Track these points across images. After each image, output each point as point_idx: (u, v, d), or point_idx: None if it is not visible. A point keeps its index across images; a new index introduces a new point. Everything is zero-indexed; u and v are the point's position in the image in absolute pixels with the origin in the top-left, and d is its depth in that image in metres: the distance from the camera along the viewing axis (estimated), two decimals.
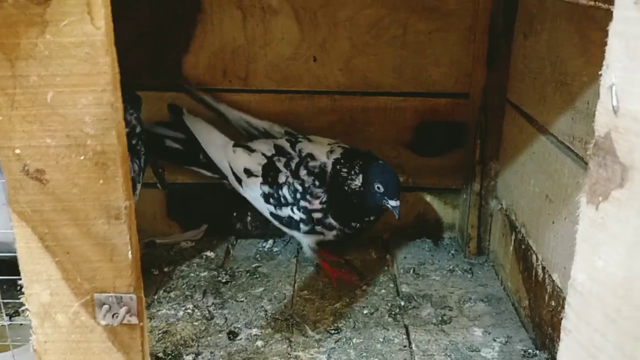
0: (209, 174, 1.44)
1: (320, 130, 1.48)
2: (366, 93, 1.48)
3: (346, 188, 1.28)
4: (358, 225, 1.32)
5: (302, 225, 1.32)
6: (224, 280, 1.39)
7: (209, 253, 1.51)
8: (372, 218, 1.33)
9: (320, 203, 1.29)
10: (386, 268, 1.46)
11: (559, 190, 1.04)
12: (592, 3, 0.94)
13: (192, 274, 1.41)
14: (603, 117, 0.52)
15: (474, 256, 1.49)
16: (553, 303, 1.07)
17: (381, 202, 1.26)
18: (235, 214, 1.59)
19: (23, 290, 0.63)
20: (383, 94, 1.48)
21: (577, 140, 0.98)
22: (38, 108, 0.56)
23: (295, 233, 1.38)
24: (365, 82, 1.47)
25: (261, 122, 1.44)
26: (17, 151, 0.57)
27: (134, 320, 0.64)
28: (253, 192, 1.36)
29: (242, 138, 1.44)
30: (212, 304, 1.29)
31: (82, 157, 0.57)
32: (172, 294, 1.32)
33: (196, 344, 1.16)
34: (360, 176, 1.27)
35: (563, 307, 1.02)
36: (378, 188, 1.25)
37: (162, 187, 1.55)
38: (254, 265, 1.46)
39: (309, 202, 1.29)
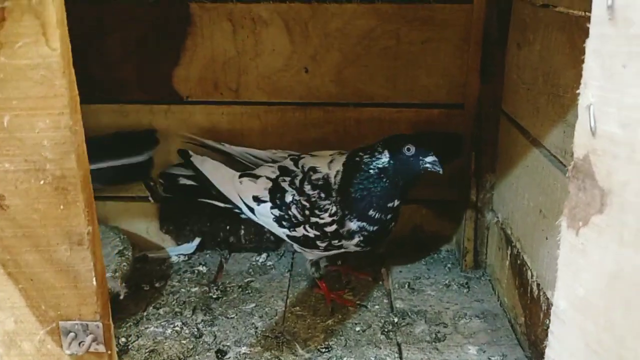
0: (222, 205, 1.39)
1: (314, 142, 1.46)
2: (359, 104, 1.46)
3: (371, 171, 1.22)
4: (378, 215, 1.23)
5: (318, 243, 1.27)
6: (215, 296, 1.36)
7: (201, 267, 1.49)
8: (396, 204, 1.24)
9: (330, 215, 1.24)
10: (380, 283, 1.43)
11: (552, 206, 1.01)
12: (582, 13, 0.92)
13: (183, 290, 1.39)
14: (581, 138, 0.50)
15: (471, 270, 1.46)
16: (548, 321, 1.04)
17: (418, 165, 1.20)
18: (228, 227, 1.57)
19: None
20: (376, 105, 1.46)
21: (569, 155, 0.94)
22: None
23: (315, 252, 1.32)
24: (358, 93, 1.45)
25: (264, 152, 1.41)
26: None
27: (100, 348, 0.62)
28: (266, 218, 1.32)
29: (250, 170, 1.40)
30: (202, 320, 1.27)
31: (41, 182, 0.55)
32: (161, 311, 1.30)
33: None
34: (386, 151, 1.22)
35: None
36: (409, 150, 1.19)
37: (154, 199, 1.53)
38: (246, 280, 1.44)
39: (319, 216, 1.25)
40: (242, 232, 1.57)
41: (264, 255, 1.55)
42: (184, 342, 1.19)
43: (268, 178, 1.31)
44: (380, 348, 1.18)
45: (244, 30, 1.41)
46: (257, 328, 1.25)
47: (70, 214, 0.57)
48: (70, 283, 0.59)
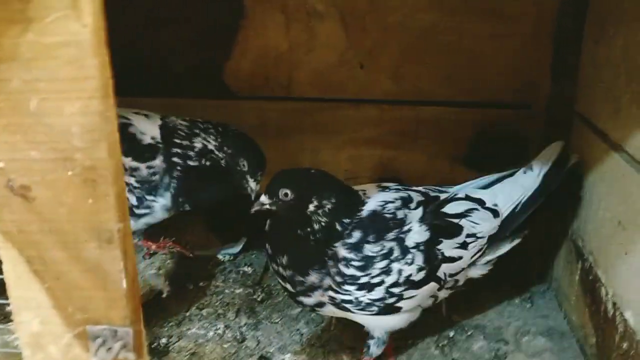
0: None
1: (368, 141, 1.40)
2: (418, 102, 1.38)
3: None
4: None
5: None
6: (259, 299, 1.31)
7: (246, 268, 1.44)
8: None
9: None
10: None
11: (635, 217, 0.90)
12: None
13: (227, 290, 1.35)
14: None
15: (534, 284, 1.35)
16: (625, 345, 0.93)
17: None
18: None
19: (12, 317, 0.57)
20: (436, 103, 1.37)
21: None
22: (21, 117, 0.49)
23: None
24: (416, 91, 1.37)
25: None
26: (1, 164, 0.51)
27: (130, 356, 0.57)
28: None
29: None
30: (245, 324, 1.22)
31: (69, 173, 0.51)
32: (204, 312, 1.26)
33: None
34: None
35: (637, 351, 0.88)
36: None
37: None
38: None
39: None
40: None
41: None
42: (226, 346, 1.14)
43: None
44: None
45: (298, 23, 1.35)
46: (302, 334, 1.19)
47: (100, 208, 0.52)
48: (98, 284, 0.54)
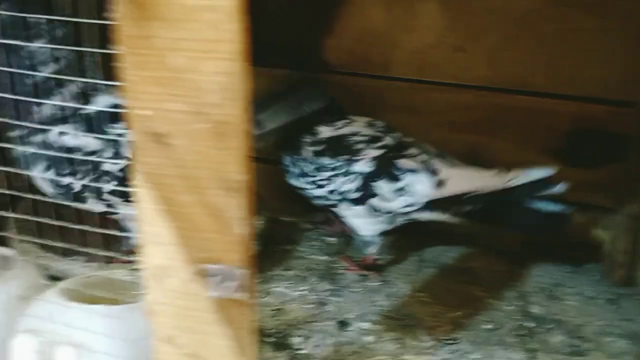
0: None
1: (460, 126, 1.40)
2: (514, 91, 1.36)
3: None
4: None
5: None
6: (341, 268, 1.36)
7: (329, 238, 1.49)
8: None
9: None
10: (516, 283, 1.34)
11: None
12: None
13: (311, 256, 1.40)
14: None
15: (622, 286, 1.31)
16: None
17: None
18: None
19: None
20: (534, 93, 1.35)
21: None
22: (165, 71, 0.56)
23: None
24: (514, 78, 1.35)
25: None
26: (149, 112, 0.58)
27: (243, 296, 0.63)
28: None
29: None
30: (327, 289, 1.27)
31: (203, 125, 0.57)
32: (288, 274, 1.33)
33: (307, 328, 1.15)
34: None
35: None
36: None
37: None
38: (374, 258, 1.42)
39: None
40: None
41: (394, 235, 1.52)
42: (309, 307, 1.21)
43: None
44: (512, 351, 1.10)
45: (400, 2, 1.36)
46: (382, 307, 1.23)
47: (228, 160, 0.57)
48: (220, 227, 0.60)
